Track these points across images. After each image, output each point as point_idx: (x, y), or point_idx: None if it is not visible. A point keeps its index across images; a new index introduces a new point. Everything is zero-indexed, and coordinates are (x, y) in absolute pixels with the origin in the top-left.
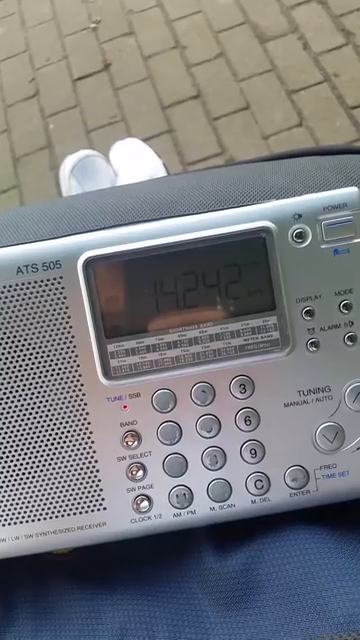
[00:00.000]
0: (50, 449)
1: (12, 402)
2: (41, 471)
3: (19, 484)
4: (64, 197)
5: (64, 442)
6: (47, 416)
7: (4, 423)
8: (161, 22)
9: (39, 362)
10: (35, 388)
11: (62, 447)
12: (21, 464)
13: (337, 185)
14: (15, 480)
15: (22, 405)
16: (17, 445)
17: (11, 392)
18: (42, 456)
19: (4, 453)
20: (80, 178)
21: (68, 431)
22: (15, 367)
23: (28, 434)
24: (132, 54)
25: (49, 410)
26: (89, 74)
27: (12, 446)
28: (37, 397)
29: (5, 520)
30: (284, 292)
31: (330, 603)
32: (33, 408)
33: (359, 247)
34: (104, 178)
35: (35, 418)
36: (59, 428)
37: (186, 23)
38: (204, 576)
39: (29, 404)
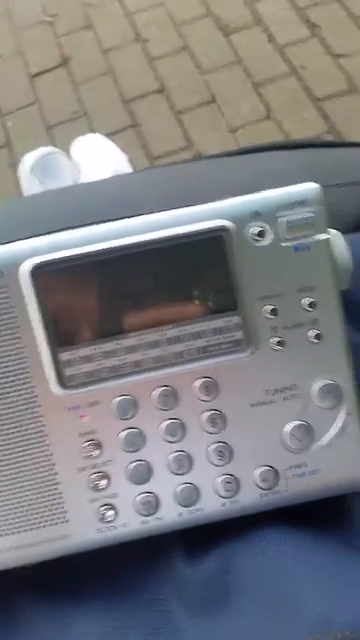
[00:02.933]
0: (7, 464)
1: None
2: None
3: None
4: (22, 197)
5: (21, 456)
6: (1, 431)
7: None
8: (120, 15)
9: None
10: None
11: (19, 461)
12: None
13: (300, 180)
14: None
15: None
16: None
17: None
18: None
19: None
20: (41, 176)
21: (24, 445)
22: None
23: None
24: (91, 48)
25: (3, 425)
26: (47, 69)
27: None
28: None
29: None
30: (245, 291)
31: (306, 603)
32: None
33: (320, 244)
34: (66, 175)
35: None
36: (15, 442)
37: (146, 16)
38: (176, 582)
39: None
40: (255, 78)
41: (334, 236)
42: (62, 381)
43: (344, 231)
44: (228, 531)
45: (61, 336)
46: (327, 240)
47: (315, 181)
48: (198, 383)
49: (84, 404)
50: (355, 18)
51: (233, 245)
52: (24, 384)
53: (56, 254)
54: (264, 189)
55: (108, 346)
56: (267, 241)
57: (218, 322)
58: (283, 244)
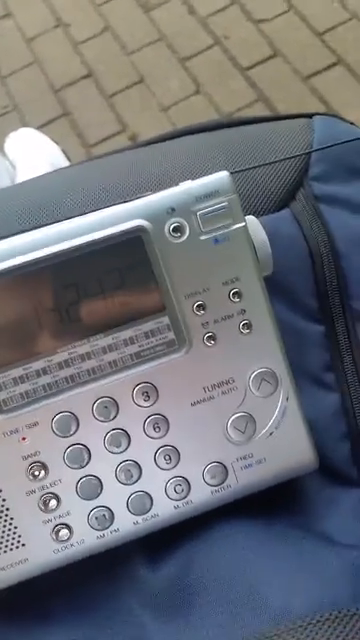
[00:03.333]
0: None
1: None
2: None
3: None
4: None
5: None
6: None
7: None
8: (39, 1)
9: None
10: None
11: None
12: None
13: (223, 161)
14: None
15: None
16: None
17: None
18: None
19: None
20: None
21: None
22: None
23: None
24: (13, 38)
25: None
26: None
27: None
28: None
29: None
30: (171, 290)
31: (266, 595)
32: None
33: (238, 233)
34: (2, 173)
35: None
36: None
37: None
38: (140, 589)
39: None
40: (180, 53)
41: (251, 223)
42: None
43: (270, 210)
44: (185, 531)
45: None
46: (244, 228)
47: (235, 163)
48: (137, 390)
49: (23, 426)
50: None
51: (153, 244)
52: None
53: None
54: (182, 178)
55: (39, 364)
56: (185, 237)
57: (148, 325)
58: (202, 237)
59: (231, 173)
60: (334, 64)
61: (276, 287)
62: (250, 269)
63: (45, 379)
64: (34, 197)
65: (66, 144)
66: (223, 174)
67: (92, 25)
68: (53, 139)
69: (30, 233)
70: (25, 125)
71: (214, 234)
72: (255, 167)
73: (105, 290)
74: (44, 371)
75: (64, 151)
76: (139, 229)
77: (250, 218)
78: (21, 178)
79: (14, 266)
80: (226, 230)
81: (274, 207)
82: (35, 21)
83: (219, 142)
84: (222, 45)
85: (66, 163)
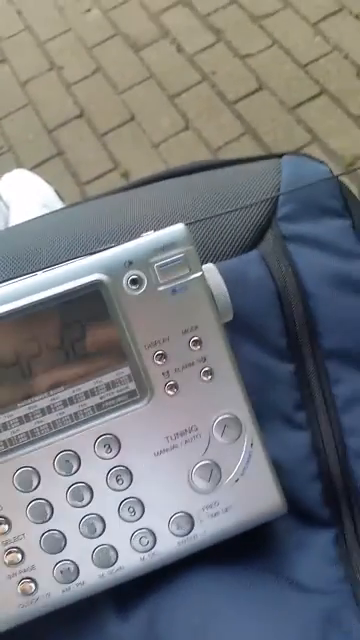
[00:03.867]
0: None
1: None
2: None
3: None
4: None
5: None
6: None
7: None
8: (33, 45)
9: None
10: None
11: None
12: None
13: (190, 207)
14: None
15: None
16: None
17: None
18: None
19: None
20: None
21: None
22: None
23: None
24: (8, 82)
25: None
26: None
27: None
28: None
29: None
30: (131, 341)
31: None
32: None
33: (195, 282)
34: None
35: None
36: None
37: (58, 43)
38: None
39: None
40: (170, 90)
41: (209, 271)
42: None
43: (238, 252)
44: (153, 581)
45: None
46: (202, 277)
47: (204, 208)
48: (98, 442)
49: None
50: (255, 18)
51: (111, 297)
52: None
53: None
54: (160, 221)
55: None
56: (144, 288)
57: (109, 376)
58: (160, 288)
59: (197, 221)
60: (318, 94)
61: (245, 327)
62: (209, 317)
63: (5, 434)
64: (10, 248)
65: (60, 183)
66: (179, 226)
67: (84, 67)
68: (47, 179)
69: None
70: (20, 165)
71: (172, 285)
72: (222, 214)
73: (66, 343)
74: (4, 426)
75: (57, 191)
76: (97, 283)
77: (208, 266)
78: (14, 219)
79: None
80: (183, 280)
81: (242, 248)
82: (30, 65)
83: (189, 187)
84: (210, 80)
85: (59, 203)
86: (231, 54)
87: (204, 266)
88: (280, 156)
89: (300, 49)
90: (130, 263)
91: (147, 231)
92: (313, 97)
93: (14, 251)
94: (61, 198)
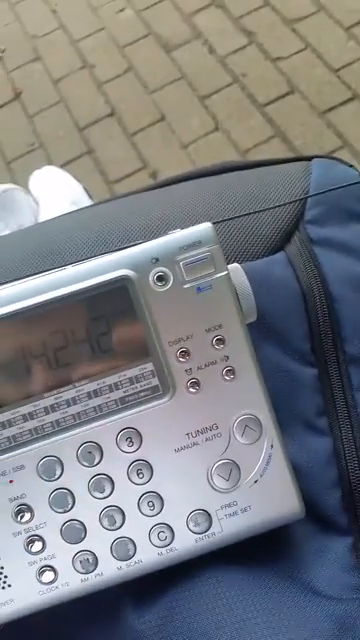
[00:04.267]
0: None
1: None
2: None
3: None
4: None
5: None
6: None
7: None
8: (66, 44)
9: None
10: None
11: None
12: None
13: (218, 207)
14: None
15: None
16: None
17: None
18: None
19: None
20: (2, 214)
21: None
22: None
23: None
24: (41, 79)
25: None
26: (1, 105)
27: None
28: None
29: None
30: (155, 337)
31: None
32: None
33: (221, 281)
34: (26, 210)
35: None
36: None
37: (91, 42)
38: (127, 635)
39: None
40: (200, 91)
41: (234, 271)
42: None
43: (265, 254)
44: (170, 577)
45: None
46: (227, 276)
47: (233, 208)
48: (120, 435)
49: (10, 469)
50: (287, 21)
51: (137, 293)
52: None
53: None
54: (184, 222)
55: (26, 409)
56: (169, 285)
57: (133, 371)
58: (185, 286)
59: (224, 220)
60: (350, 99)
61: (269, 330)
62: (233, 316)
63: (32, 423)
64: (39, 242)
65: (89, 181)
66: (206, 225)
67: (116, 66)
68: (77, 176)
69: (24, 281)
70: (50, 162)
71: (197, 283)
72: (249, 214)
73: (91, 336)
74: (31, 415)
75: (86, 189)
76: (124, 278)
77: (234, 266)
78: (43, 215)
79: (5, 314)
80: (209, 279)
81: (269, 250)
82: (63, 63)
83: (218, 187)
84: (240, 83)
85: (88, 201)
86: (262, 57)
87: (230, 266)
88: (310, 159)
89: (332, 53)
90: (156, 260)
91: (174, 229)
92: (344, 102)
93: (43, 246)
94: (90, 196)
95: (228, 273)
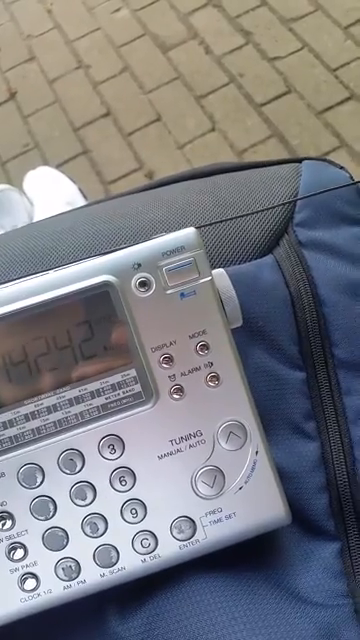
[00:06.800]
0: None
1: None
2: None
3: None
4: None
5: None
6: None
7: None
8: (61, 43)
9: None
10: None
11: None
12: None
13: (211, 208)
14: None
15: None
16: None
17: None
18: None
19: None
20: None
21: None
22: None
23: None
24: (36, 79)
25: None
26: None
27: None
28: None
29: None
30: (138, 343)
31: None
32: None
33: (204, 287)
34: (20, 211)
35: None
36: None
37: (86, 42)
38: None
39: None
40: (197, 92)
41: (219, 276)
42: None
43: (253, 257)
44: (155, 584)
45: None
46: (211, 282)
47: (224, 211)
48: (103, 442)
49: None
50: (285, 21)
51: (120, 299)
52: None
53: None
54: (178, 223)
55: (6, 416)
56: (152, 291)
57: (115, 377)
58: (168, 292)
59: (212, 224)
60: (347, 99)
61: (256, 334)
62: (217, 322)
63: (12, 431)
64: (27, 245)
65: (85, 181)
66: (190, 230)
67: (111, 66)
68: (72, 177)
69: (5, 286)
70: (45, 163)
71: (180, 288)
72: (237, 217)
73: (74, 342)
74: (10, 423)
75: (81, 190)
76: (106, 284)
77: (218, 272)
78: (38, 216)
79: None
80: (192, 284)
81: (258, 253)
82: (58, 63)
83: (209, 189)
84: (237, 83)
85: (83, 201)
86: (259, 56)
87: (214, 271)
88: (300, 160)
89: (330, 53)
90: (139, 265)
91: (159, 233)
92: (342, 102)
93: (31, 249)
94: (85, 196)
95: (212, 279)
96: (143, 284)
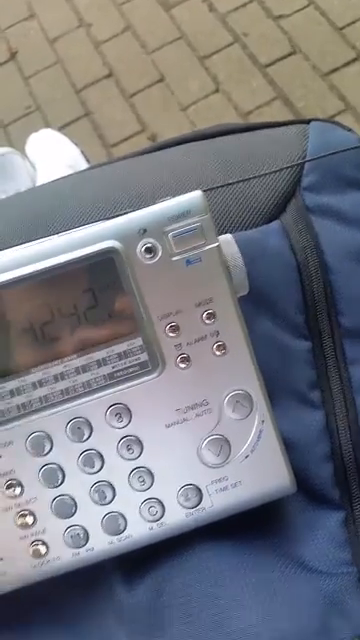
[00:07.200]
0: None
1: None
2: None
3: None
4: None
5: None
6: None
7: None
8: (61, 1)
9: None
10: None
11: None
12: None
13: (213, 172)
14: None
15: None
16: None
17: None
18: None
19: None
20: None
21: None
22: None
23: None
24: (37, 39)
25: None
26: None
27: None
28: None
29: None
30: (144, 311)
31: (236, 623)
32: None
33: (211, 253)
34: (23, 175)
35: None
36: None
37: None
38: (117, 609)
39: None
40: (200, 52)
41: (225, 242)
42: None
43: (260, 222)
44: (161, 552)
45: None
46: (217, 248)
47: (229, 174)
48: (110, 411)
49: None
50: None
51: (125, 265)
52: None
53: None
54: (179, 188)
55: (13, 384)
56: (157, 258)
57: (121, 346)
58: (174, 258)
59: (218, 187)
60: (354, 60)
61: (262, 302)
62: (224, 290)
63: (19, 399)
64: (29, 210)
65: (87, 144)
66: (196, 194)
67: (113, 25)
68: (74, 140)
69: (9, 251)
70: (48, 125)
71: (186, 255)
72: (243, 180)
73: (79, 310)
74: (18, 391)
75: (83, 153)
76: (111, 250)
77: (225, 237)
78: (41, 180)
79: None
80: (199, 251)
81: (264, 219)
82: (59, 22)
83: (213, 151)
84: (241, 42)
85: (85, 165)
86: (264, 14)
87: (220, 237)
88: (308, 122)
89: (336, 10)
90: (144, 231)
91: (164, 197)
92: (348, 63)
93: (32, 213)
94: (87, 160)
95: (219, 245)
96: (149, 250)
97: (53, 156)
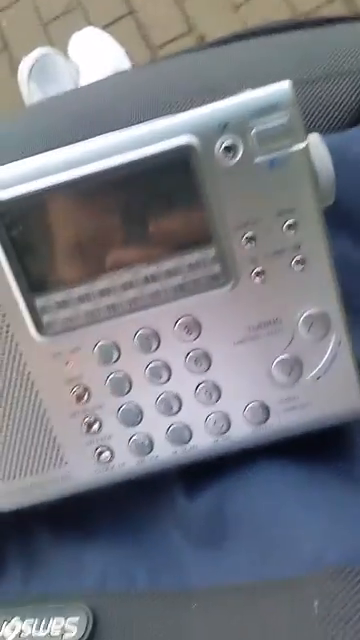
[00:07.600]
0: (2, 413)
1: None
2: None
3: None
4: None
5: (11, 406)
6: None
7: None
8: None
9: None
10: None
11: (10, 410)
12: None
13: (291, 70)
14: None
15: None
16: None
17: None
18: None
19: None
20: (40, 80)
21: (13, 394)
22: None
23: None
24: None
25: None
26: None
27: None
28: None
29: None
30: (219, 219)
31: (298, 539)
32: None
33: (298, 155)
34: (65, 77)
35: None
36: (3, 392)
37: None
38: (177, 515)
39: None
40: None
41: (313, 143)
42: (41, 328)
43: (341, 126)
44: (224, 466)
45: (33, 281)
46: (305, 150)
47: (308, 71)
48: (179, 323)
49: (66, 351)
50: None
51: (201, 165)
52: (3, 332)
53: (12, 190)
54: (245, 86)
55: (81, 290)
56: (238, 158)
57: (193, 256)
58: (256, 160)
59: (299, 84)
60: None
61: (341, 218)
62: (309, 199)
63: (87, 306)
64: (87, 104)
65: (131, 45)
66: (284, 84)
67: None
68: (117, 40)
69: (74, 147)
70: (89, 24)
71: (270, 156)
72: (334, 74)
73: (148, 216)
74: (86, 297)
75: (128, 53)
76: (186, 147)
77: (313, 137)
78: (84, 82)
79: (56, 184)
80: (284, 152)
81: (347, 122)
82: None
83: (290, 45)
84: None
85: (129, 66)
86: None
87: (309, 136)
88: None
89: None
90: (226, 126)
91: (243, 89)
92: None
93: (90, 109)
94: (132, 61)
95: (307, 145)
96: (229, 149)
97: (97, 58)
